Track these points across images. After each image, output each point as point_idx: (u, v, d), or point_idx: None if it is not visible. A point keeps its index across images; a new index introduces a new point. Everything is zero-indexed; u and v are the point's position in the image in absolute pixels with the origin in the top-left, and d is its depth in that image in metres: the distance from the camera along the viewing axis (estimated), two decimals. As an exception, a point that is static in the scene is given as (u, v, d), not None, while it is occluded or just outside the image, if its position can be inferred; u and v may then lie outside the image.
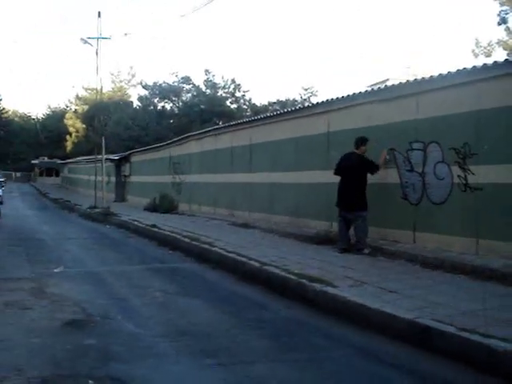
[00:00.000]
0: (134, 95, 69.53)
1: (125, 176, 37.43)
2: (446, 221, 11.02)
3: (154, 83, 60.43)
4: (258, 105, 59.22)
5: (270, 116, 19.03)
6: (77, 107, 78.34)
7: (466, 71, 10.65)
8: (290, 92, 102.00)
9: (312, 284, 8.66)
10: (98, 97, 40.55)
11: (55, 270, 11.62)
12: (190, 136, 26.46)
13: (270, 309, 8.52)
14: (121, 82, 74.82)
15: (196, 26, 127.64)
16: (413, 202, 11.87)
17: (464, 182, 10.57)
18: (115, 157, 38.24)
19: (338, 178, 12.61)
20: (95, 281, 10.66)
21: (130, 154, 36.59)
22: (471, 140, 10.48)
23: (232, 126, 21.97)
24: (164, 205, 25.50)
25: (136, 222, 20.15)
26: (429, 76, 11.60)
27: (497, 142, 10.05)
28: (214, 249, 12.80)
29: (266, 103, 59.38)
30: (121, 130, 54.38)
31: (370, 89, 14.05)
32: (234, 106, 59.03)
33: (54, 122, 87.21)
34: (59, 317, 7.74)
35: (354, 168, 12.12)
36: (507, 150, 9.85)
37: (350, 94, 14.02)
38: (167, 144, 29.60)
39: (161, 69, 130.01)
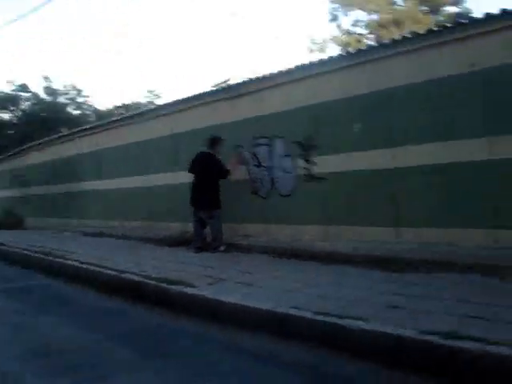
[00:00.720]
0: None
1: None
2: (295, 212, 11.53)
3: (-12, 92, 56.73)
4: (103, 109, 57.79)
5: (114, 120, 18.65)
6: None
7: (301, 67, 11.21)
8: (135, 96, 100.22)
9: (170, 287, 8.66)
10: None
11: None
12: (30, 147, 25.14)
13: (130, 317, 8.38)
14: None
15: (31, 31, 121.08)
16: (263, 196, 12.28)
17: (308, 173, 11.11)
18: None
19: (187, 179, 12.68)
20: None
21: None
22: (312, 133, 11.04)
23: (76, 132, 21.23)
24: (10, 221, 24.11)
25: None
26: (269, 73, 12.04)
27: (334, 133, 10.69)
28: (67, 262, 12.30)
29: (111, 107, 58.14)
30: (-42, 146, 50.56)
31: (213, 88, 14.23)
32: (77, 112, 57.12)
33: None
34: None
35: (207, 169, 12.26)
36: (344, 138, 10.51)
37: (191, 94, 14.15)
38: (8, 156, 27.92)
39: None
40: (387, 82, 9.87)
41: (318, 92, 10.96)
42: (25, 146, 26.00)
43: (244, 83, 12.82)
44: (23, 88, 55.79)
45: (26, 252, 14.70)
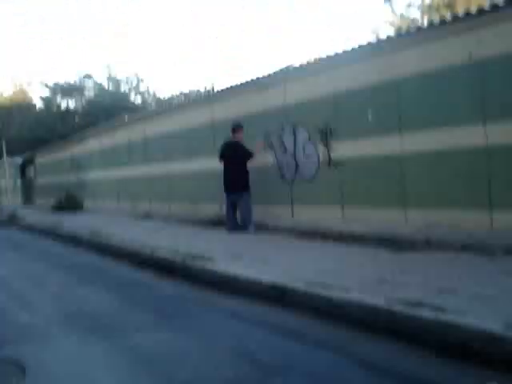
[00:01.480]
0: (37, 96, 68.10)
1: (30, 178, 37.06)
2: (316, 195, 12.33)
3: (56, 83, 59.58)
4: (163, 98, 59.70)
5: (160, 109, 19.80)
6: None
7: (321, 60, 11.94)
8: (194, 83, 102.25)
9: (195, 262, 9.66)
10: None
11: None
12: (88, 134, 26.81)
13: (157, 288, 9.46)
14: (21, 85, 72.76)
15: (94, 20, 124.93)
16: (288, 180, 13.13)
17: (328, 158, 11.88)
18: (19, 159, 37.75)
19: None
20: (-5, 281, 11.18)
21: (33, 155, 36.27)
22: (331, 120, 11.78)
23: (129, 121, 22.63)
24: (70, 204, 25.91)
25: (41, 223, 20.47)
26: (293, 64, 12.83)
27: (351, 119, 11.40)
28: (113, 241, 13.53)
29: (171, 95, 59.98)
30: (25, 133, 53.44)
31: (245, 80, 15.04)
32: (138, 100, 59.21)
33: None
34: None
35: (234, 156, 13.31)
36: (361, 126, 11.19)
37: (229, 86, 15.09)
38: (67, 144, 29.73)
39: (63, 67, 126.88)
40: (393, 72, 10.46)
41: (336, 82, 11.66)
42: (82, 134, 27.70)
43: (269, 75, 13.63)
44: (87, 77, 58.34)
45: (76, 232, 16.11)
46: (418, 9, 42.12)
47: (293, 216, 13.02)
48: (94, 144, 25.73)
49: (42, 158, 35.11)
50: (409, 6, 41.80)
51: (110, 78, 57.93)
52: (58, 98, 59.54)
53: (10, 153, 41.69)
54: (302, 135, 12.66)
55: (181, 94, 58.55)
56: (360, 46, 11.24)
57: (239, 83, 14.88)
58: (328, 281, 7.30)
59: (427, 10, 39.90)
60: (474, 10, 9.10)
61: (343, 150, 11.58)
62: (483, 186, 9.09)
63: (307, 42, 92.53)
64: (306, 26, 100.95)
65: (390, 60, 10.56)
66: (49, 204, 29.08)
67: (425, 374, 4.84)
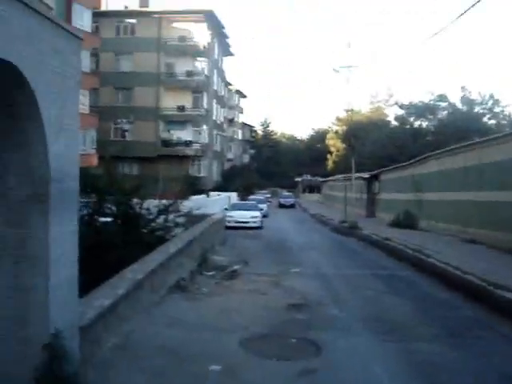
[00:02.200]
0: (392, 115, 71.54)
1: (374, 193, 39.60)
2: None
3: (410, 103, 61.75)
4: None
5: (496, 137, 19.49)
6: (337, 128, 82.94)
7: None
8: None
9: (496, 290, 9.89)
10: (353, 118, 43.39)
11: (293, 270, 14.36)
12: (429, 156, 27.67)
13: (456, 309, 10.03)
14: (379, 102, 77.24)
15: (448, 44, 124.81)
16: None
17: None
18: (366, 175, 40.66)
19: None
20: (322, 279, 13.06)
21: (380, 172, 38.68)
22: None
23: (464, 146, 22.78)
24: (405, 221, 27.15)
25: (374, 236, 22.22)
26: None
27: None
28: (429, 259, 14.27)
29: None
30: (377, 149, 56.84)
31: None
32: (492, 122, 57.43)
33: (317, 143, 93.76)
34: (286, 301, 10.32)
35: None
36: None
37: None
38: (410, 163, 31.05)
39: (417, 88, 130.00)
40: None
41: None
42: (424, 156, 28.68)
43: None
44: (441, 98, 58.90)
45: (401, 247, 17.23)
46: None
47: None
48: (433, 165, 26.51)
49: (386, 175, 37.22)
50: None
51: (463, 99, 57.51)
52: (411, 117, 61.67)
53: (361, 167, 45.06)
54: None
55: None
56: None
57: None
58: None
59: None
60: None
61: None
62: None
63: None
64: None
65: None
66: (387, 219, 30.88)
67: None
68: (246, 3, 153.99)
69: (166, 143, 50.64)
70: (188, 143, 50.90)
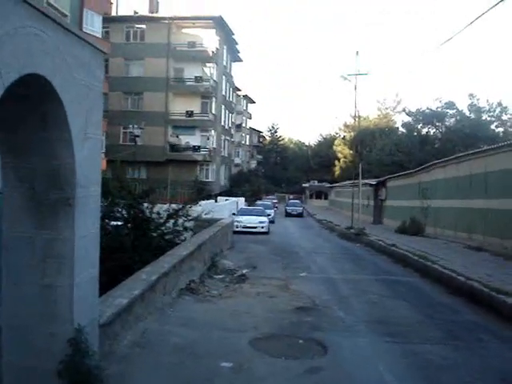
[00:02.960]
0: (399, 122, 71.79)
1: (381, 200, 39.89)
2: None
3: (417, 109, 61.84)
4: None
5: (502, 146, 19.82)
6: (345, 134, 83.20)
7: None
8: None
9: (498, 296, 10.17)
10: (361, 125, 43.70)
11: (300, 274, 14.70)
12: (435, 163, 27.99)
13: (459, 313, 10.30)
14: (386, 109, 77.42)
15: (456, 50, 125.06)
16: None
17: None
18: (373, 182, 40.97)
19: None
20: (329, 284, 13.36)
21: (386, 179, 39.01)
22: None
23: (470, 154, 23.11)
24: (412, 228, 27.43)
25: (380, 242, 22.50)
26: None
27: None
28: (434, 266, 14.56)
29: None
30: (384, 156, 57.07)
31: None
32: (499, 129, 57.53)
33: (324, 149, 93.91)
34: (293, 304, 10.63)
35: None
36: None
37: None
38: (417, 171, 31.37)
39: (424, 95, 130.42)
40: None
41: None
42: (429, 163, 29.01)
43: None
44: (449, 105, 58.99)
45: (407, 254, 17.52)
46: None
47: None
48: (439, 173, 26.84)
49: (393, 182, 37.57)
50: None
51: (471, 106, 57.61)
52: (419, 125, 61.84)
53: (368, 174, 45.33)
54: None
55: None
56: None
57: None
58: None
59: None
60: None
61: None
62: None
63: None
64: None
65: None
66: (394, 225, 31.19)
67: None
68: (255, 9, 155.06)
69: (175, 148, 51.13)
70: (196, 148, 51.38)
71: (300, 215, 53.91)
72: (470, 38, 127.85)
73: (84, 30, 33.31)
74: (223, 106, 59.12)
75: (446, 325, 9.31)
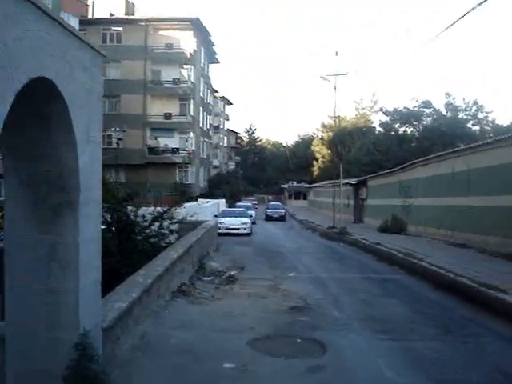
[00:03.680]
0: (377, 121, 72.40)
1: (362, 199, 40.16)
2: None
3: (395, 109, 62.41)
4: (502, 125, 57.75)
5: (484, 143, 20.14)
6: (323, 134, 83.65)
7: None
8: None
9: (489, 291, 10.33)
10: (340, 125, 43.89)
11: (289, 275, 14.76)
12: (416, 162, 28.28)
13: (449, 309, 10.43)
14: (363, 109, 77.98)
15: (432, 50, 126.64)
16: None
17: None
18: (353, 181, 41.22)
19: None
20: (318, 283, 13.43)
21: (367, 178, 39.29)
22: None
23: (451, 152, 23.41)
24: (394, 226, 27.64)
25: (364, 241, 22.68)
26: None
27: None
28: (421, 263, 14.72)
29: (510, 123, 57.61)
30: (363, 155, 57.52)
31: None
32: (476, 128, 58.28)
33: (302, 149, 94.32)
34: (286, 304, 10.67)
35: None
36: None
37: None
38: (397, 170, 31.64)
39: (401, 94, 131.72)
40: None
41: None
42: (410, 162, 29.29)
43: None
44: (426, 104, 59.66)
45: (393, 252, 17.68)
46: None
47: None
48: (420, 172, 27.12)
49: (374, 181, 37.86)
50: None
51: (447, 105, 58.32)
52: (396, 124, 62.39)
53: (347, 174, 45.57)
54: None
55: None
56: None
57: None
58: None
59: None
60: None
61: None
62: None
63: None
64: None
65: None
66: (375, 224, 31.42)
67: None
68: (233, 10, 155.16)
69: (153, 150, 50.85)
70: (175, 150, 51.15)
71: (282, 219, 48.88)
72: (446, 38, 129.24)
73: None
74: (201, 108, 58.98)
75: (438, 321, 9.43)
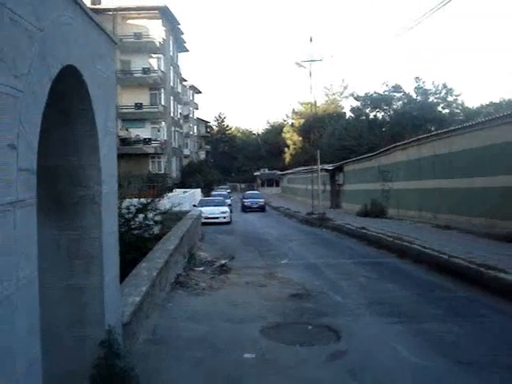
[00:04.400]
0: (347, 106, 72.78)
1: (338, 184, 40.31)
2: None
3: (366, 94, 62.81)
4: (472, 107, 58.70)
5: (466, 126, 20.44)
6: (293, 121, 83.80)
7: None
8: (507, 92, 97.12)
9: (488, 271, 10.43)
10: (313, 111, 43.80)
11: (282, 262, 14.71)
12: (396, 146, 28.47)
13: (450, 290, 10.50)
14: (333, 94, 78.38)
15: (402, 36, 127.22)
16: None
17: None
18: (329, 167, 41.32)
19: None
20: (312, 269, 13.43)
21: (343, 164, 39.42)
22: None
23: (432, 135, 23.65)
24: (374, 210, 27.84)
25: (348, 226, 22.77)
26: None
27: None
28: (412, 246, 14.83)
29: (480, 105, 58.61)
30: (335, 141, 57.77)
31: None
32: (446, 111, 58.98)
33: (273, 136, 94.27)
34: (286, 291, 10.63)
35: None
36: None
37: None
38: (376, 154, 31.82)
39: (371, 79, 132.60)
40: None
41: None
42: (390, 146, 29.48)
43: None
44: (396, 89, 60.13)
45: (380, 235, 17.77)
46: None
47: None
48: (400, 155, 27.31)
49: (350, 167, 38.02)
50: None
51: (417, 89, 58.85)
52: (367, 109, 62.76)
53: (321, 160, 45.64)
54: None
55: (490, 103, 56.83)
56: None
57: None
58: None
59: None
60: None
61: None
62: None
63: None
64: None
65: None
66: (353, 209, 31.62)
67: None
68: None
69: (125, 142, 50.11)
70: (147, 141, 50.57)
71: (262, 209, 43.72)
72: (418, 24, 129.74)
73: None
74: (172, 97, 58.37)
75: (442, 302, 9.49)
